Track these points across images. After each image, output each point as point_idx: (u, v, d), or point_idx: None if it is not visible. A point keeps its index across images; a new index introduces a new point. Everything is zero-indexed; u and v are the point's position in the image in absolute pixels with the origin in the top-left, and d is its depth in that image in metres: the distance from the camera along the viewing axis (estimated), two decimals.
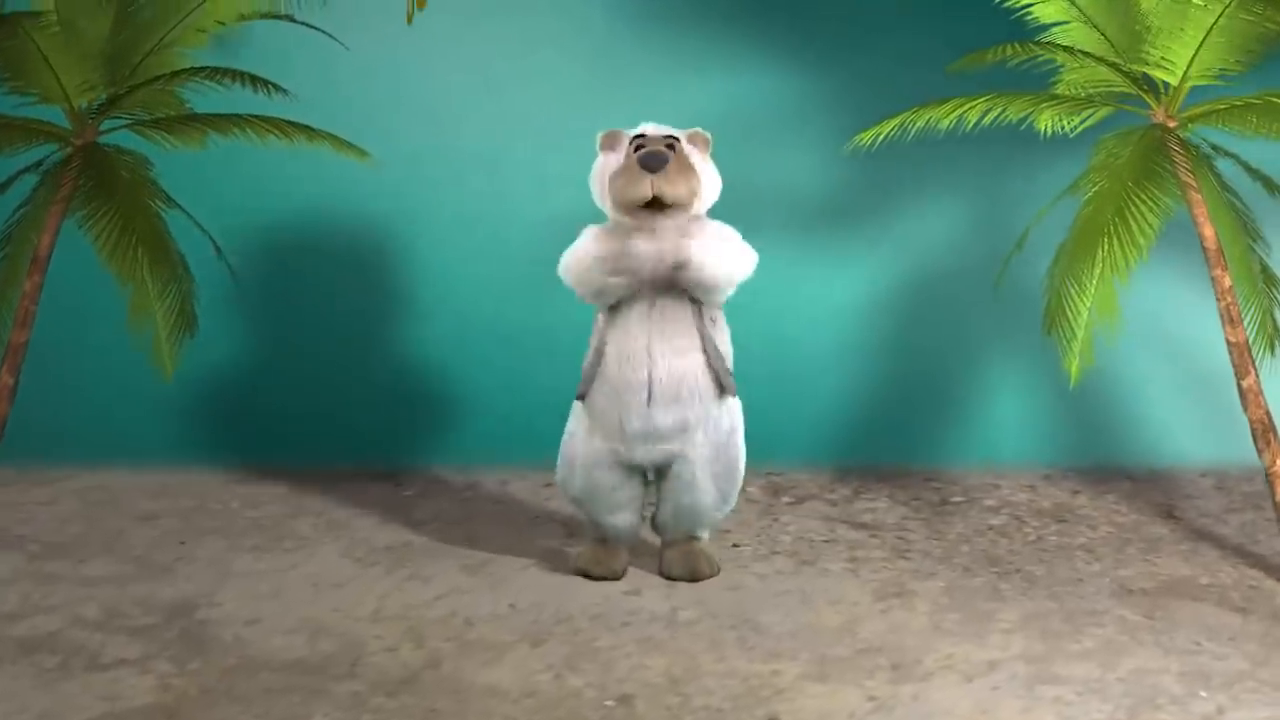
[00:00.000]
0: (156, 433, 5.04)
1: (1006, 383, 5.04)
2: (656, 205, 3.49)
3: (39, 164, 3.69)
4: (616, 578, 3.66)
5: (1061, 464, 4.97)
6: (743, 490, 4.63)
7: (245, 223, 5.02)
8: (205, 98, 3.86)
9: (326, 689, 3.00)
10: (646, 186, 3.45)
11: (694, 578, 3.64)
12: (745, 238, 5.07)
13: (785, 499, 4.62)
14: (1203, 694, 2.97)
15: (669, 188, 3.46)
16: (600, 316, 3.63)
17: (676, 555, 3.68)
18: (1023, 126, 3.46)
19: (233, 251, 4.99)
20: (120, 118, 3.78)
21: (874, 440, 5.06)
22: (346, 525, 4.27)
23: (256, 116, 3.78)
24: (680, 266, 3.46)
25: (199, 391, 5.07)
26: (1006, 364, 5.04)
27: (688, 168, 3.51)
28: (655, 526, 3.72)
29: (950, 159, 4.63)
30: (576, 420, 3.66)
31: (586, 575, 3.67)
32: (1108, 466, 4.93)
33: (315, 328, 5.15)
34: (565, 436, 3.69)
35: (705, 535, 3.76)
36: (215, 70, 3.69)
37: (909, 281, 5.10)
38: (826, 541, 4.13)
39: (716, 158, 5.01)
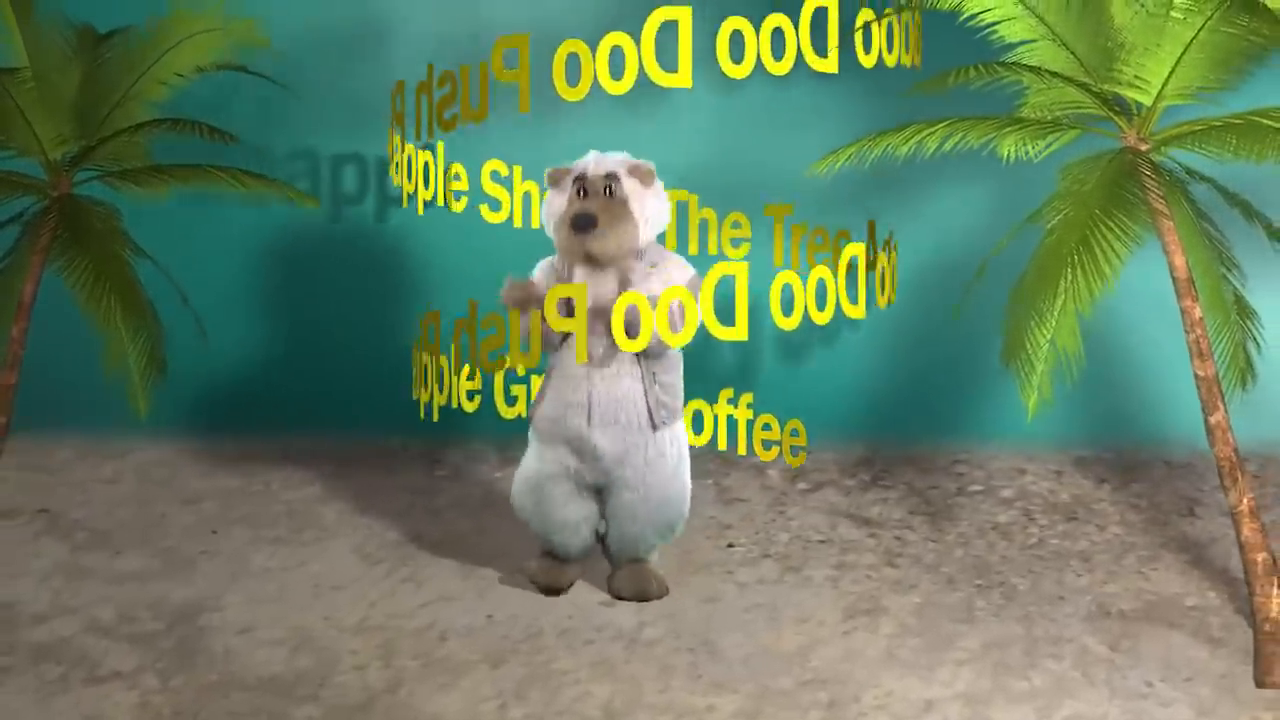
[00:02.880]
0: (217, 403, 5.33)
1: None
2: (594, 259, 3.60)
3: (19, 215, 3.92)
4: (561, 592, 3.79)
5: (1098, 445, 4.87)
6: (761, 473, 4.76)
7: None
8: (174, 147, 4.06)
9: (287, 713, 3.20)
10: (578, 247, 3.56)
11: (642, 598, 3.75)
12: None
13: (801, 485, 4.65)
14: None
15: (598, 246, 3.56)
16: None
17: (624, 576, 3.79)
18: None
19: (288, 220, 5.18)
20: (91, 169, 3.97)
21: (908, 417, 5.03)
22: (368, 513, 4.48)
23: (215, 166, 3.93)
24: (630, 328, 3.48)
25: (258, 361, 5.33)
26: None
27: (619, 219, 3.54)
28: (603, 548, 3.83)
29: None
30: (531, 439, 3.79)
31: (540, 589, 3.81)
32: (1146, 448, 4.80)
33: (367, 300, 5.33)
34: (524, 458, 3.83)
35: (653, 557, 3.85)
36: (176, 121, 3.86)
37: (945, 254, 4.99)
38: (822, 542, 4.16)
39: (749, 127, 5.00)
